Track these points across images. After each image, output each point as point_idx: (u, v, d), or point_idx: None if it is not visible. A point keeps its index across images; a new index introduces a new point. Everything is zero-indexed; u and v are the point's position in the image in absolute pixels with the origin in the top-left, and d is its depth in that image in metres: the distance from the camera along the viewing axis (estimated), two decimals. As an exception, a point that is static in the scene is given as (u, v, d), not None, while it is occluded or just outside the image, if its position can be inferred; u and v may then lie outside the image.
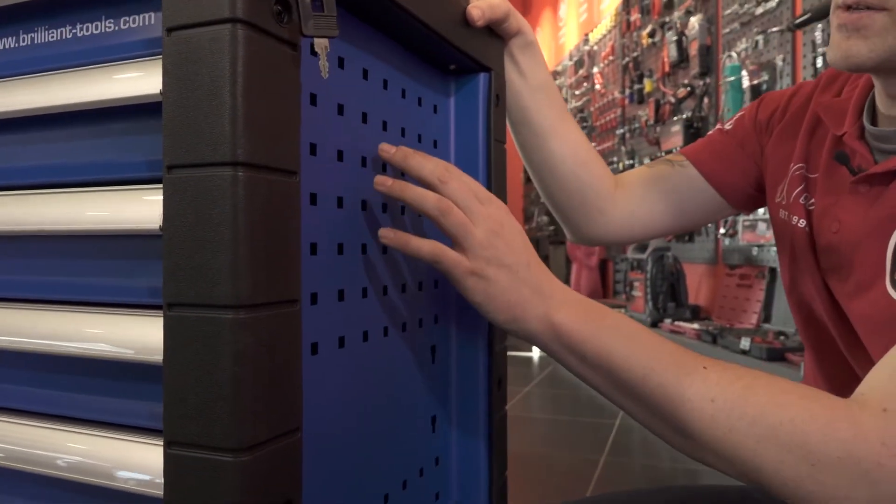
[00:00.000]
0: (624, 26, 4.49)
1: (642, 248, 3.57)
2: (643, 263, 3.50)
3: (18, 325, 0.47)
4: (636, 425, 2.93)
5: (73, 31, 0.45)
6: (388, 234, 0.55)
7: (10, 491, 0.49)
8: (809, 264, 0.73)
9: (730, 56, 3.10)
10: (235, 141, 0.36)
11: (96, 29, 0.44)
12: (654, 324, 3.30)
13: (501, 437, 0.71)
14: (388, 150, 0.56)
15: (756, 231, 2.88)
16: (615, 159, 4.60)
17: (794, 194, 0.76)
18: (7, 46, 0.48)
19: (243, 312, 0.37)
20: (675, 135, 3.54)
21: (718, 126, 0.90)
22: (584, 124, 5.37)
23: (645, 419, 0.53)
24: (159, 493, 0.40)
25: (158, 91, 0.39)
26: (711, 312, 3.34)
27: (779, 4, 2.78)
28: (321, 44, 0.42)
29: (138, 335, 0.42)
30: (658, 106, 3.91)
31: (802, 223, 0.74)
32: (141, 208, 0.42)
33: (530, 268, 0.56)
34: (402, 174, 0.60)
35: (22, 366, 0.49)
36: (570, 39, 6.15)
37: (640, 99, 4.18)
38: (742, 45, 3.02)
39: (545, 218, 6.04)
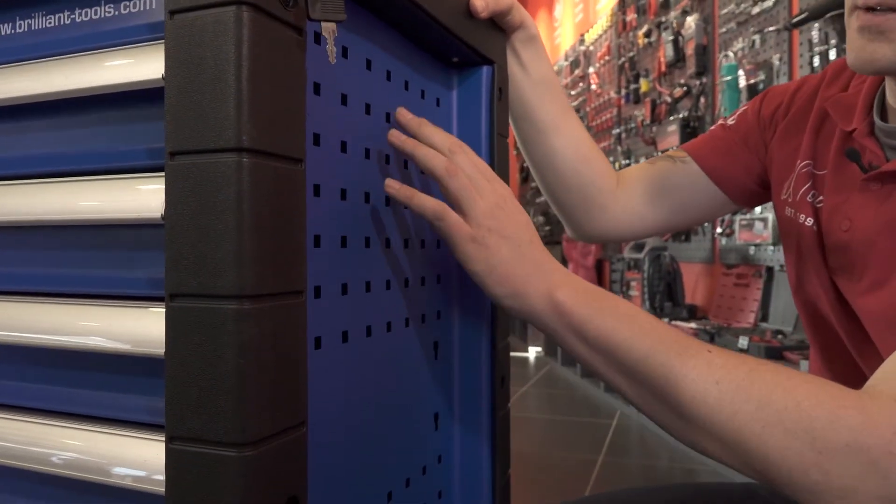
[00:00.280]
0: (620, 26, 4.49)
1: (639, 247, 3.57)
2: (640, 263, 3.49)
3: (13, 319, 0.45)
4: (634, 425, 2.93)
5: (72, 16, 0.44)
6: (393, 185, 0.55)
7: (5, 489, 0.48)
8: (816, 262, 0.72)
9: (726, 55, 3.10)
10: (241, 126, 0.35)
11: (95, 14, 0.43)
12: (651, 323, 3.29)
13: (504, 436, 0.70)
14: (405, 114, 0.58)
15: (753, 230, 2.87)
16: (611, 159, 4.59)
17: (802, 192, 0.74)
18: (4, 33, 0.47)
19: (247, 303, 0.36)
20: (671, 134, 3.54)
21: (721, 121, 0.88)
22: (581, 124, 5.35)
23: (644, 403, 0.52)
24: (158, 489, 0.39)
25: (160, 76, 0.38)
26: (708, 312, 3.33)
27: (775, 4, 2.78)
28: (328, 27, 0.41)
29: (137, 328, 0.41)
30: (654, 106, 3.90)
31: (810, 221, 0.73)
32: (141, 197, 0.41)
33: (532, 244, 0.55)
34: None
35: (17, 360, 0.48)
36: (566, 40, 6.15)
37: (637, 99, 4.17)
38: (739, 44, 3.02)
39: (541, 218, 6.04)
